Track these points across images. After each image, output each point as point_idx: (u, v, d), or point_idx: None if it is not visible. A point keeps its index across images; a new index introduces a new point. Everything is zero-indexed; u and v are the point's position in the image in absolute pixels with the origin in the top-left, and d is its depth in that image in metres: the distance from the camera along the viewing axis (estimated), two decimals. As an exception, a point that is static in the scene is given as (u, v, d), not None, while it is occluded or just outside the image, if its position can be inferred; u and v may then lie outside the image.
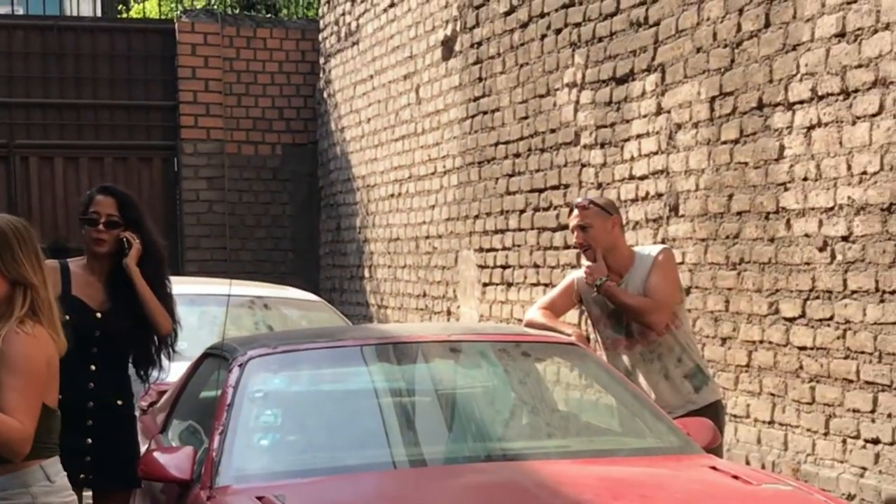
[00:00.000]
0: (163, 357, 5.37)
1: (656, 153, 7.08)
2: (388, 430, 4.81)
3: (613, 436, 5.11)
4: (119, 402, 5.15)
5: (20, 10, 15.44)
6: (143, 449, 5.81)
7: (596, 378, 5.43)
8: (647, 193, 7.18)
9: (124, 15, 17.59)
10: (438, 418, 5.04)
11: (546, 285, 8.45)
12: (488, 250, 9.40)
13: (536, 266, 8.63)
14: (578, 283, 5.67)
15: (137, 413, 6.48)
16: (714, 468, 4.49)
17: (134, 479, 5.11)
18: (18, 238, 3.65)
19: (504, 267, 9.16)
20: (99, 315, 5.07)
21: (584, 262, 5.62)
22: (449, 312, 10.29)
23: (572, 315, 7.00)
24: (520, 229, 8.85)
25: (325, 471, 4.54)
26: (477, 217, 9.57)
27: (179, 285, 9.67)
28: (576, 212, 5.56)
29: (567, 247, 8.12)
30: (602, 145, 7.63)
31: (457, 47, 9.86)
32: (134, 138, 14.15)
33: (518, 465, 4.54)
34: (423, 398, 5.16)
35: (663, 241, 7.00)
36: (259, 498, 4.19)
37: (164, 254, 5.36)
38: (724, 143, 6.46)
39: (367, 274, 12.44)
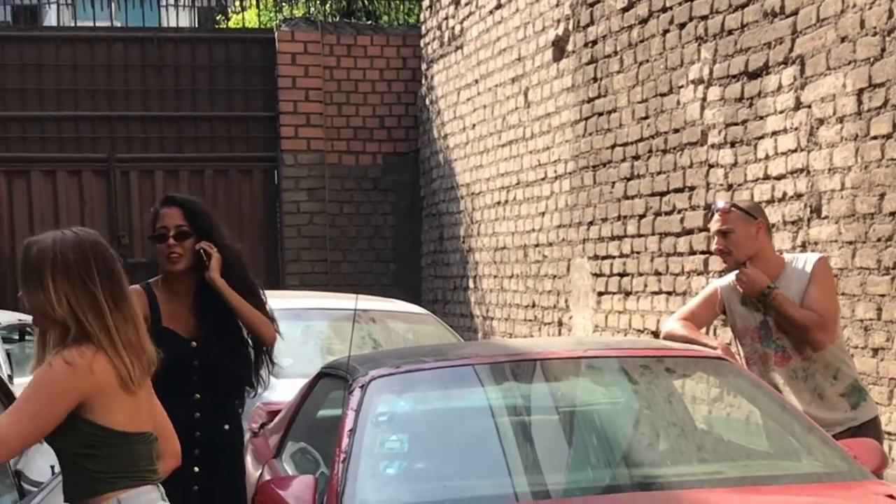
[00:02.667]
0: (263, 371, 5.03)
1: (795, 151, 6.60)
2: (526, 456, 4.42)
3: (770, 460, 4.65)
4: (226, 427, 4.83)
5: (119, 23, 15.33)
6: (253, 472, 5.50)
7: (746, 395, 4.99)
8: (785, 194, 6.71)
9: (223, 25, 17.43)
10: (581, 442, 4.63)
11: (669, 293, 8.02)
12: (604, 258, 8.98)
13: (658, 273, 8.18)
14: (723, 292, 5.23)
15: (248, 435, 6.18)
16: (892, 496, 4.02)
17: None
18: (53, 266, 3.31)
19: (621, 275, 8.73)
20: (194, 344, 4.75)
21: (718, 268, 5.20)
22: (560, 323, 9.88)
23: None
24: (639, 235, 8.42)
25: (458, 502, 4.17)
26: (591, 223, 9.15)
27: (283, 299, 9.49)
28: (716, 216, 5.16)
29: (693, 252, 7.68)
30: (732, 144, 7.18)
31: (569, 47, 9.46)
32: (234, 150, 13.96)
33: (666, 495, 4.13)
34: (559, 421, 4.75)
35: (804, 245, 6.53)
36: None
37: (244, 258, 5.00)
38: (875, 138, 5.98)
39: (471, 284, 12.09)
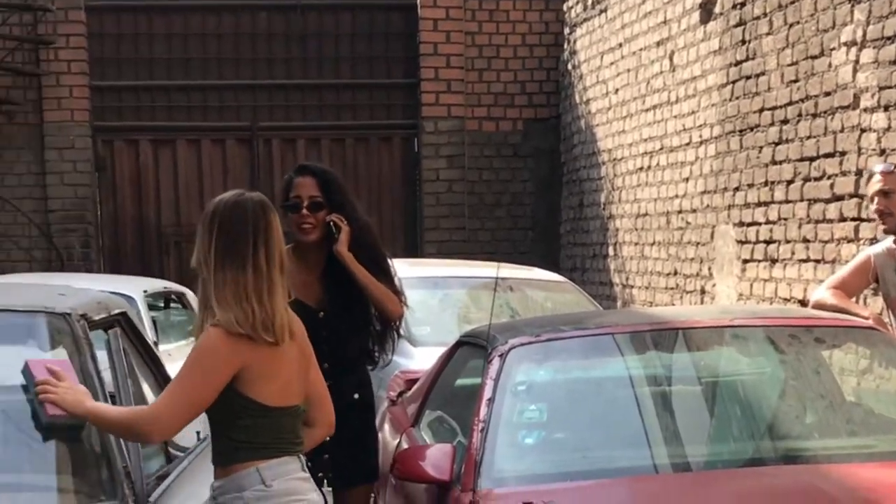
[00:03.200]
0: (388, 344, 5.00)
1: (952, 114, 6.33)
2: (666, 427, 4.32)
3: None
4: (356, 396, 4.81)
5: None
6: (391, 441, 5.49)
7: (900, 367, 4.81)
8: (940, 159, 6.45)
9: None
10: (723, 414, 4.50)
11: (817, 261, 7.78)
12: (749, 224, 8.75)
13: (806, 241, 7.94)
14: (876, 260, 5.05)
15: (386, 404, 6.17)
16: None
17: (373, 473, 4.80)
18: (209, 223, 3.35)
19: (768, 242, 8.50)
20: (322, 314, 4.72)
21: (869, 235, 5.02)
22: (703, 291, 9.68)
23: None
24: (787, 201, 8.17)
25: (596, 473, 4.10)
26: (737, 189, 8.93)
27: (421, 268, 9.48)
28: (877, 177, 5.00)
29: (843, 219, 7.43)
30: (886, 108, 6.90)
31: (716, 9, 9.21)
32: (375, 118, 13.98)
33: (813, 469, 3.98)
34: (702, 391, 4.63)
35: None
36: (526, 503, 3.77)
37: (374, 231, 4.95)
38: None
39: (611, 252, 11.92)
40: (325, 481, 4.72)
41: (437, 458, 4.27)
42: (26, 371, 3.35)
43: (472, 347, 5.06)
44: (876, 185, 5.04)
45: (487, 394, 4.36)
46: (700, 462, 4.10)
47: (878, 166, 5.12)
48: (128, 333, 4.42)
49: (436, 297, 8.84)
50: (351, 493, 4.83)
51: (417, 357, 7.41)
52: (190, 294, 9.63)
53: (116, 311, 4.29)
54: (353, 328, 4.79)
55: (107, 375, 3.71)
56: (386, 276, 4.87)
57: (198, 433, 4.49)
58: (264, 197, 3.47)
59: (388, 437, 5.66)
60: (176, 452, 4.32)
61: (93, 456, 3.44)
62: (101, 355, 3.78)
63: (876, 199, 5.04)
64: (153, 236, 13.25)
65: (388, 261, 4.93)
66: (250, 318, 3.24)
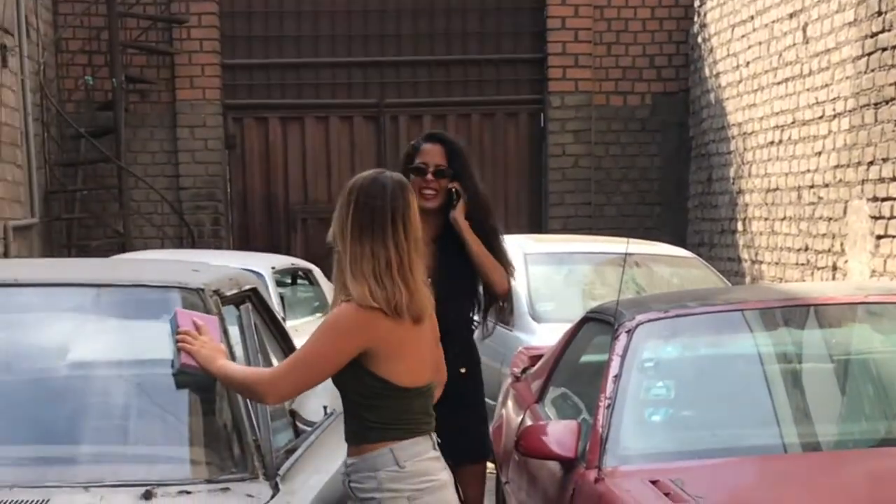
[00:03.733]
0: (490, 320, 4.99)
1: None
2: (796, 406, 4.25)
3: None
4: (462, 371, 4.79)
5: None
6: (515, 417, 5.50)
7: None
8: None
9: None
10: (855, 393, 4.41)
11: (955, 238, 7.58)
12: (884, 199, 8.54)
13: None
14: None
15: (509, 380, 6.18)
16: None
17: (485, 451, 4.78)
18: (348, 196, 3.37)
19: (903, 218, 8.30)
20: (430, 280, 4.73)
21: None
22: (835, 268, 9.48)
23: None
24: (923, 176, 7.97)
25: (724, 452, 4.05)
26: (871, 163, 8.71)
27: (546, 243, 9.46)
28: None
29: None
30: None
31: (849, -21, 9.00)
32: (501, 93, 13.93)
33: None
34: (833, 370, 4.54)
35: None
36: (653, 482, 3.74)
37: (492, 206, 4.98)
38: None
39: (740, 227, 11.74)
40: None
41: (562, 434, 4.26)
42: (173, 319, 3.45)
43: (599, 324, 5.03)
44: None
45: (614, 370, 4.34)
46: (830, 442, 4.04)
47: None
48: (258, 309, 4.49)
49: (561, 273, 8.82)
50: (464, 471, 4.78)
51: (540, 333, 7.41)
52: (316, 270, 9.75)
53: (247, 288, 4.36)
54: (456, 296, 4.77)
55: (239, 350, 3.78)
56: (497, 251, 4.88)
57: (325, 407, 4.55)
58: (403, 177, 3.49)
59: (512, 413, 5.67)
60: (304, 427, 4.39)
61: (224, 429, 3.50)
62: (234, 331, 3.85)
63: None
64: (281, 213, 13.41)
65: (501, 237, 4.93)
66: (387, 294, 3.25)
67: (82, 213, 12.81)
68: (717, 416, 4.29)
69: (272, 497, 3.34)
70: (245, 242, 13.18)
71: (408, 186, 3.42)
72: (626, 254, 5.96)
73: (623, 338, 4.46)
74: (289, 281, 9.52)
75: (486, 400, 5.17)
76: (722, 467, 3.91)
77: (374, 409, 3.34)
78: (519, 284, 8.35)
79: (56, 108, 12.39)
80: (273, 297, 8.02)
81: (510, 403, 5.90)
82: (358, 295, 3.26)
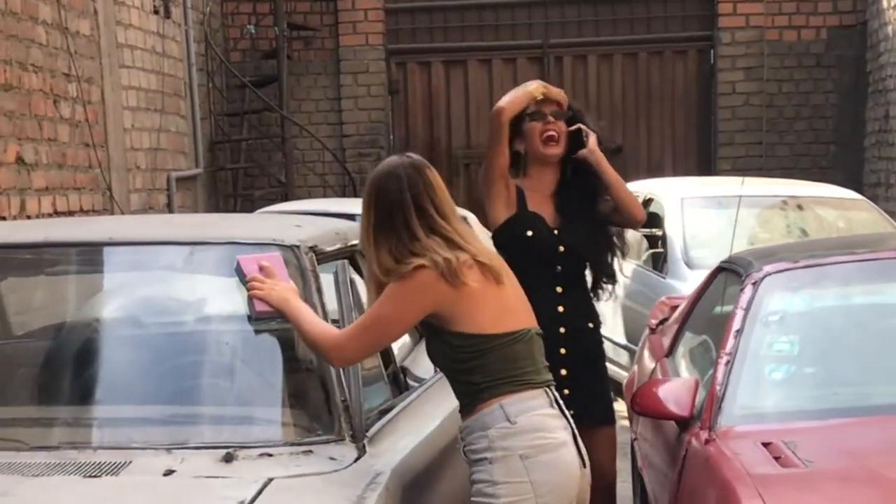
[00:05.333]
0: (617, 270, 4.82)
1: None
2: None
3: None
4: (590, 326, 4.63)
5: None
6: (646, 371, 5.32)
7: None
8: None
9: None
10: None
11: None
12: None
13: None
14: None
15: (647, 332, 5.99)
16: None
17: (613, 414, 4.62)
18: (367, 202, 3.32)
19: None
20: (556, 231, 4.58)
21: None
22: None
23: None
24: None
25: (849, 411, 3.81)
26: None
27: (702, 186, 9.15)
28: None
29: None
30: None
31: None
32: (669, 30, 13.53)
33: None
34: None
35: None
36: (765, 444, 3.54)
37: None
38: None
39: (920, 166, 11.20)
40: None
41: (679, 392, 4.09)
42: (238, 269, 3.41)
43: (731, 274, 4.80)
44: None
45: (736, 325, 4.13)
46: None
47: None
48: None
49: (720, 218, 8.51)
50: (595, 435, 4.59)
51: (693, 281, 7.15)
52: (472, 217, 9.64)
53: (355, 242, 4.27)
54: (582, 248, 4.65)
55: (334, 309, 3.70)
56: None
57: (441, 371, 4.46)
58: (417, 157, 3.41)
59: (645, 367, 5.50)
60: (412, 383, 4.30)
61: (311, 389, 3.44)
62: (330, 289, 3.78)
63: None
64: (444, 159, 13.32)
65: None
66: (449, 262, 3.17)
67: (246, 163, 12.99)
68: (844, 374, 4.04)
69: (356, 460, 3.26)
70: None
71: (424, 165, 3.35)
72: (739, 196, 5.66)
73: (748, 290, 4.25)
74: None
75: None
76: (841, 429, 3.67)
77: (475, 371, 3.23)
78: (673, 230, 8.12)
79: (220, 58, 12.56)
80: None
81: (645, 355, 5.72)
82: (429, 261, 3.19)
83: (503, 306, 3.26)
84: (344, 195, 12.57)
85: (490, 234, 4.72)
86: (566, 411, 3.38)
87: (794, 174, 11.71)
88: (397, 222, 3.23)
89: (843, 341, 4.19)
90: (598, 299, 4.82)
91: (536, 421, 3.21)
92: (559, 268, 4.57)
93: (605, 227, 4.72)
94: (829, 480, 3.34)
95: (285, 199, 11.82)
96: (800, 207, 8.51)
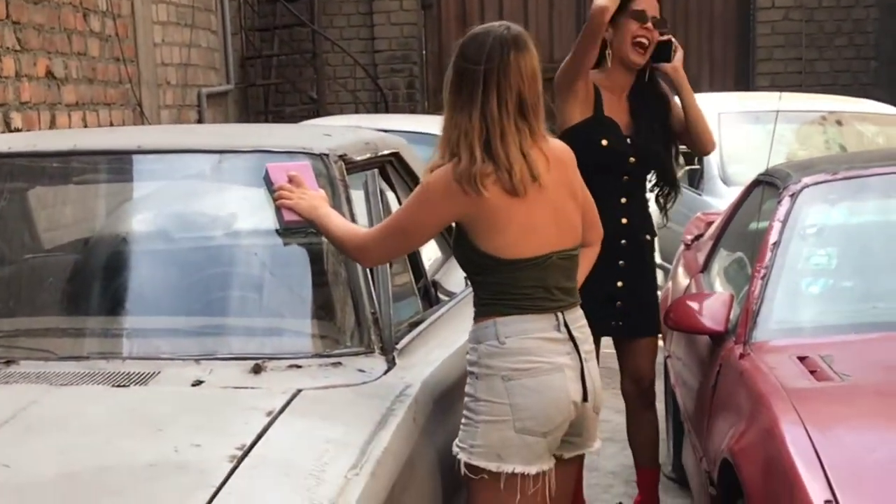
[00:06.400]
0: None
1: None
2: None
3: None
4: (647, 237, 4.57)
5: None
6: (682, 285, 5.27)
7: None
8: None
9: None
10: None
11: None
12: None
13: None
14: None
15: (682, 248, 5.92)
16: None
17: (658, 325, 4.57)
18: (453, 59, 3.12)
19: None
20: (629, 140, 4.49)
21: None
22: None
23: None
24: None
25: (885, 326, 3.76)
26: None
27: (742, 101, 9.02)
28: None
29: None
30: None
31: None
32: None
33: None
34: None
35: None
36: (801, 358, 3.49)
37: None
38: None
39: (964, 81, 10.99)
40: (615, 331, 4.56)
41: (713, 307, 4.05)
42: (266, 177, 3.35)
43: (767, 187, 4.72)
44: None
45: (773, 238, 4.07)
46: None
47: None
48: (399, 173, 4.35)
49: (758, 134, 8.39)
50: (639, 344, 4.61)
51: (729, 198, 7.06)
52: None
53: (386, 152, 4.22)
54: (651, 157, 4.56)
55: (363, 219, 3.65)
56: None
57: (465, 278, 4.40)
58: (519, 30, 3.13)
59: (680, 282, 5.44)
60: (442, 296, 4.26)
61: (341, 301, 3.40)
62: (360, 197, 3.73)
63: None
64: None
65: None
66: (468, 167, 3.01)
67: (278, 79, 12.90)
68: (883, 287, 3.98)
69: (385, 372, 3.22)
70: (440, 106, 13.00)
71: (516, 42, 3.06)
72: (777, 111, 5.56)
73: (786, 202, 4.18)
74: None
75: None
76: (878, 343, 3.62)
77: (481, 285, 3.16)
78: (710, 145, 8.03)
79: (252, -27, 12.44)
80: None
81: (680, 271, 5.66)
82: (445, 166, 3.07)
83: (528, 225, 3.09)
84: (376, 111, 12.49)
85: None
86: (577, 337, 3.19)
87: (834, 90, 11.53)
88: (464, 95, 3.05)
89: (881, 255, 4.13)
90: (664, 210, 4.74)
91: (529, 344, 3.08)
92: (626, 177, 4.49)
93: (674, 140, 4.64)
94: (865, 394, 3.30)
95: (317, 115, 11.75)
96: (839, 123, 8.40)
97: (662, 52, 4.51)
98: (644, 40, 4.46)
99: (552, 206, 3.15)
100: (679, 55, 4.52)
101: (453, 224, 3.20)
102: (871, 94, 10.86)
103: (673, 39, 4.52)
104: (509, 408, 3.04)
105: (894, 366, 3.43)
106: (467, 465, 3.08)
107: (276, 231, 3.38)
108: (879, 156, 5.40)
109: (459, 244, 3.17)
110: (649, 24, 4.45)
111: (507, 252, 3.09)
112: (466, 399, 3.12)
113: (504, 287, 3.11)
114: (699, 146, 4.66)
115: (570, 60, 4.39)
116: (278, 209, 3.30)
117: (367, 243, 3.17)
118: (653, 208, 4.74)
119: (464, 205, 3.04)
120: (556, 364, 3.09)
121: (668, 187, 4.71)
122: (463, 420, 3.13)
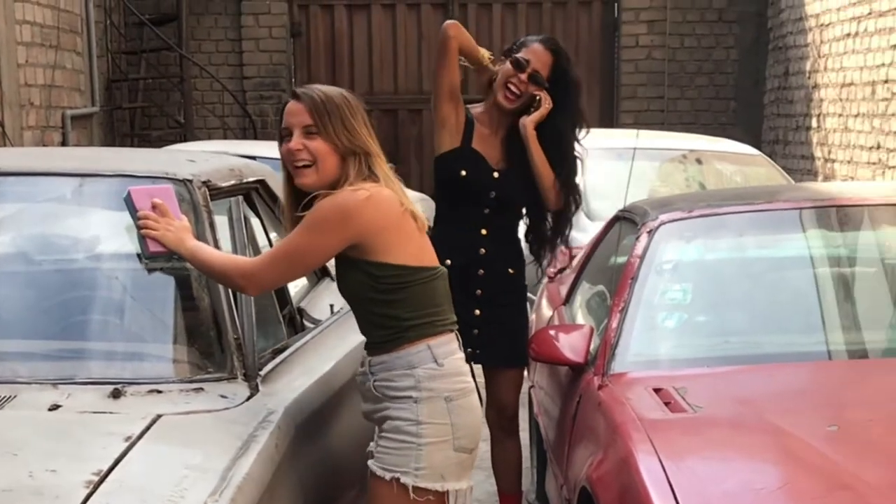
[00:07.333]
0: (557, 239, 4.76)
1: None
2: (823, 312, 4.04)
3: None
4: (510, 271, 4.62)
5: None
6: (546, 318, 5.35)
7: None
8: None
9: None
10: (886, 299, 4.17)
11: None
12: (958, 97, 8.17)
13: None
14: None
15: (545, 281, 6.01)
16: None
17: (523, 358, 4.62)
18: (348, 107, 3.20)
19: (977, 116, 7.92)
20: (496, 175, 4.55)
21: None
22: (907, 168, 9.13)
23: None
24: None
25: (739, 359, 3.88)
26: (946, 58, 8.32)
27: (606, 138, 9.19)
28: None
29: None
30: None
31: None
32: (576, -18, 13.55)
33: None
34: (866, 273, 4.31)
35: None
36: (656, 390, 3.58)
37: (580, 125, 4.65)
38: None
39: (814, 124, 11.35)
40: (474, 359, 4.60)
41: (574, 339, 4.12)
42: (129, 200, 3.29)
43: (628, 223, 4.83)
44: None
45: (631, 272, 4.16)
46: (822, 352, 3.85)
47: None
48: (265, 201, 4.35)
49: (621, 170, 8.54)
50: (504, 374, 4.67)
51: (592, 231, 7.20)
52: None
53: (252, 179, 4.22)
54: (524, 196, 4.61)
55: (226, 244, 3.65)
56: (564, 166, 4.61)
57: (331, 306, 4.42)
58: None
59: (543, 315, 5.52)
60: (308, 324, 4.27)
61: (204, 326, 3.39)
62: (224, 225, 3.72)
63: None
64: (345, 103, 13.19)
65: (574, 157, 4.66)
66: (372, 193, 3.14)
67: (144, 103, 12.76)
68: (734, 322, 4.10)
69: (248, 398, 3.22)
70: (309, 134, 13.00)
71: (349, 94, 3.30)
72: (634, 148, 5.70)
73: (644, 238, 4.28)
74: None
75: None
76: (730, 376, 3.73)
77: (399, 305, 3.17)
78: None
79: (119, -6, 12.29)
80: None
81: (544, 303, 5.75)
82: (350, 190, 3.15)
83: (422, 242, 3.25)
84: (245, 137, 12.42)
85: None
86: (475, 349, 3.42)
87: (695, 129, 11.81)
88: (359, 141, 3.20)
89: (734, 291, 4.25)
90: (539, 251, 4.74)
91: (458, 364, 3.24)
92: (487, 210, 4.54)
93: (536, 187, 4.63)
94: (716, 426, 3.38)
95: (184, 139, 11.66)
96: (699, 161, 8.61)
97: (531, 105, 4.53)
98: (514, 88, 4.50)
99: (423, 230, 3.31)
100: (537, 114, 4.51)
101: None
102: (730, 134, 11.16)
103: (540, 97, 4.51)
104: (451, 427, 3.16)
105: (744, 398, 3.53)
106: (415, 489, 3.14)
107: (139, 257, 3.35)
108: (734, 194, 5.56)
109: (357, 271, 3.17)
110: (524, 76, 4.50)
111: (416, 259, 3.19)
112: (401, 423, 3.15)
113: (425, 300, 3.19)
114: (546, 202, 4.65)
115: (435, 80, 4.47)
116: (142, 238, 3.27)
117: (258, 270, 3.18)
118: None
119: (363, 222, 3.11)
120: (472, 382, 3.29)
121: (535, 233, 4.74)
122: (393, 444, 3.16)
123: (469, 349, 4.46)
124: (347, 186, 3.14)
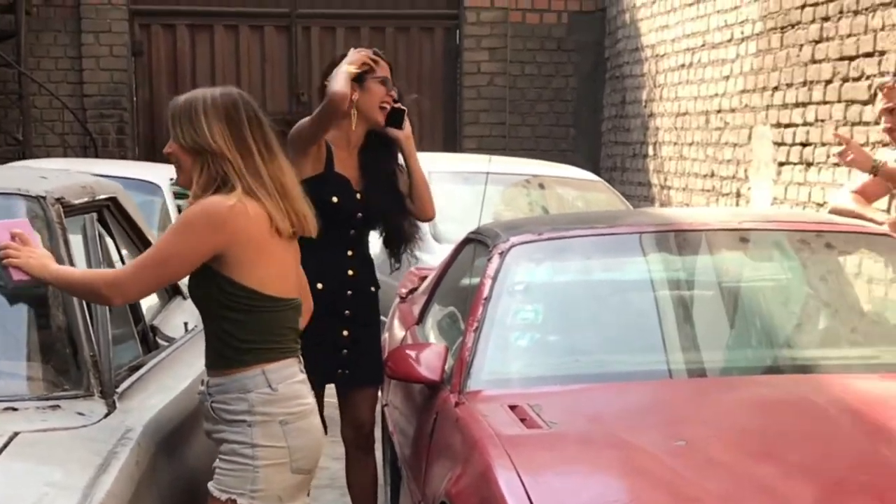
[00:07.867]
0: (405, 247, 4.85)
1: None
2: (665, 332, 4.18)
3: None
4: (373, 289, 4.69)
5: None
6: (397, 338, 5.40)
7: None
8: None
9: None
10: (723, 320, 4.35)
11: (852, 166, 7.52)
12: (787, 126, 8.49)
13: (841, 144, 7.68)
14: (897, 166, 4.85)
15: (396, 301, 6.07)
16: None
17: (380, 376, 4.68)
18: (204, 105, 3.21)
19: (804, 144, 8.24)
20: (358, 196, 4.60)
21: None
22: (738, 194, 9.46)
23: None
24: (824, 102, 7.91)
25: (589, 378, 3.98)
26: (776, 89, 8.65)
27: (452, 162, 9.30)
28: (880, 95, 4.79)
29: (878, 122, 7.17)
30: (928, 6, 6.62)
31: None
32: (416, 7, 13.67)
33: (814, 379, 3.86)
34: (705, 296, 4.48)
35: None
36: (512, 407, 3.66)
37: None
38: None
39: (651, 152, 11.68)
40: (341, 380, 4.64)
41: (429, 358, 4.17)
42: None
43: (479, 245, 4.92)
44: (880, 103, 4.87)
45: (484, 293, 4.24)
46: (682, 369, 3.99)
47: (883, 78, 4.93)
48: (117, 219, 4.32)
49: (467, 194, 8.68)
50: (362, 393, 4.72)
51: (440, 253, 7.28)
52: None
53: (103, 197, 4.18)
54: (389, 212, 4.68)
55: (81, 262, 3.61)
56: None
57: (185, 324, 4.41)
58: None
59: (395, 335, 5.57)
60: (161, 342, 4.24)
61: (59, 344, 3.34)
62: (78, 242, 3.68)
63: (883, 119, 4.87)
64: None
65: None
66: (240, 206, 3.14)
67: (-20, 119, 12.46)
68: (584, 341, 4.21)
69: (106, 415, 3.20)
70: (151, 153, 12.85)
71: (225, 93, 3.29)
72: (487, 172, 5.82)
73: (496, 260, 4.37)
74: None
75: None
76: (581, 394, 3.83)
77: (242, 326, 3.18)
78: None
79: (-48, 10, 11.97)
80: (171, 208, 7.94)
81: (395, 324, 5.80)
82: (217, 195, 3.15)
83: (286, 269, 3.26)
84: (85, 156, 12.19)
85: None
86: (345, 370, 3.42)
87: (536, 155, 12.04)
88: (223, 122, 3.22)
89: (582, 311, 4.37)
90: (399, 264, 4.84)
91: (295, 388, 3.24)
92: (353, 231, 4.58)
93: (403, 199, 4.72)
94: (570, 441, 3.48)
95: (23, 157, 11.41)
96: (542, 186, 8.79)
97: (395, 118, 4.63)
98: (387, 105, 4.59)
99: (294, 254, 3.33)
100: (408, 125, 4.64)
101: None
102: (571, 160, 11.40)
103: (405, 110, 4.64)
104: (287, 450, 3.18)
105: (596, 415, 3.63)
106: None
107: (1, 287, 3.30)
108: (579, 218, 5.71)
109: (211, 282, 3.17)
110: (393, 92, 4.59)
111: (273, 288, 3.19)
112: (237, 446, 3.16)
113: (269, 328, 3.20)
114: (420, 212, 4.75)
115: (308, 130, 4.46)
116: (5, 268, 3.24)
117: (123, 280, 3.17)
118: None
119: (233, 231, 3.11)
120: (312, 405, 3.30)
121: (398, 239, 4.82)
122: (230, 466, 3.17)
123: (340, 370, 4.54)
124: (221, 193, 3.14)
